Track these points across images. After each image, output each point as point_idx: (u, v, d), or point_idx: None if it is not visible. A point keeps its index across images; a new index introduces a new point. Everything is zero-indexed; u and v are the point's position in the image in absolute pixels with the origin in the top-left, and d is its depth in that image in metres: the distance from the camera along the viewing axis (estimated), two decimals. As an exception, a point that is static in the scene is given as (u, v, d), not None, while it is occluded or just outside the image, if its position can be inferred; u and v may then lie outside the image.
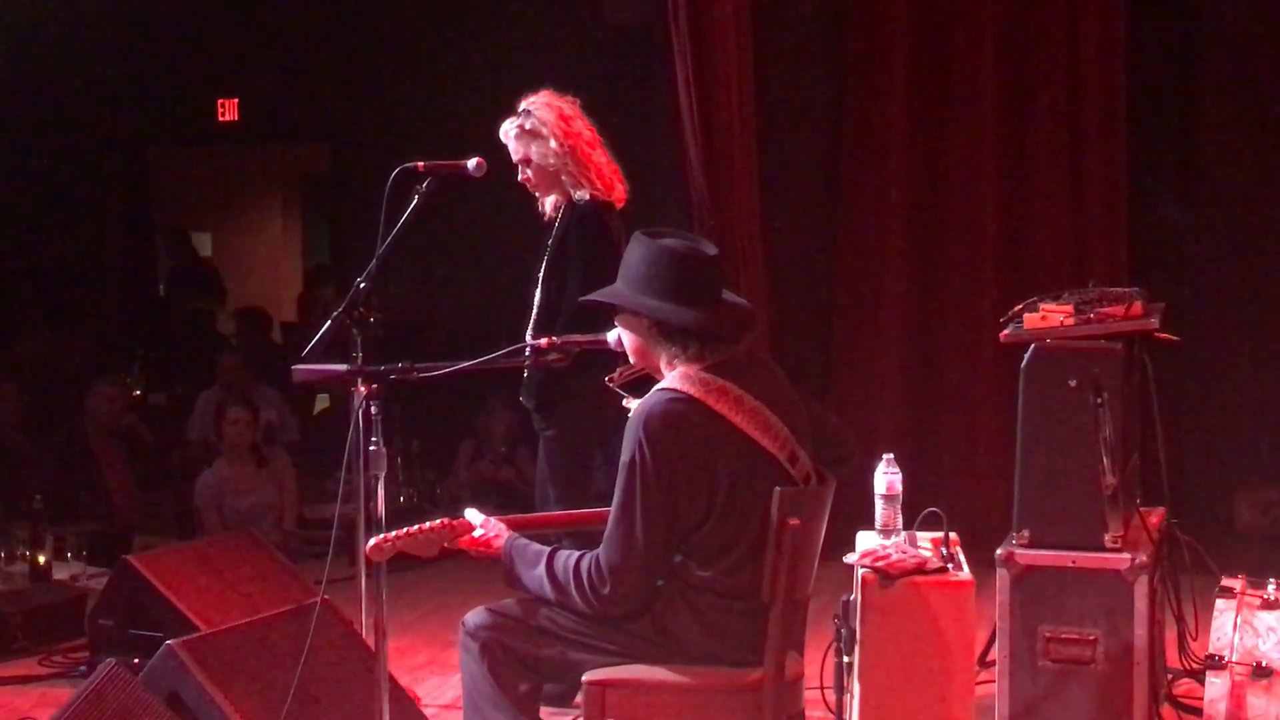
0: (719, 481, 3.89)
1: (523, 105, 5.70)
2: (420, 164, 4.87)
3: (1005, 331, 5.09)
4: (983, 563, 4.69)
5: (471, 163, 4.94)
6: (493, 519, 4.20)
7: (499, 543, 4.14)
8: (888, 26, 8.35)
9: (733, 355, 4.00)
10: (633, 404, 4.10)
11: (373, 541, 4.15)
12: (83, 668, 6.06)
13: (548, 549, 4.08)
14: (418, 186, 4.82)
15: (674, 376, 3.97)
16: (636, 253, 4.04)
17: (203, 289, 13.14)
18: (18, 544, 7.21)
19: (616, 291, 4.07)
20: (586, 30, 10.10)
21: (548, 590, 4.01)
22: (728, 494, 3.89)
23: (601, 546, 3.94)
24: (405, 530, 4.14)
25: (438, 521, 4.18)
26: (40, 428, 9.49)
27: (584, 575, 3.94)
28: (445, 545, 4.18)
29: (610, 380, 4.41)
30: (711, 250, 4.08)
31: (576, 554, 4.00)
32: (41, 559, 7.12)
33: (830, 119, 8.61)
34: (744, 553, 3.92)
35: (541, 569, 4.02)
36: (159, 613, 5.66)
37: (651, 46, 8.64)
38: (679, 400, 3.90)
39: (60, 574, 7.22)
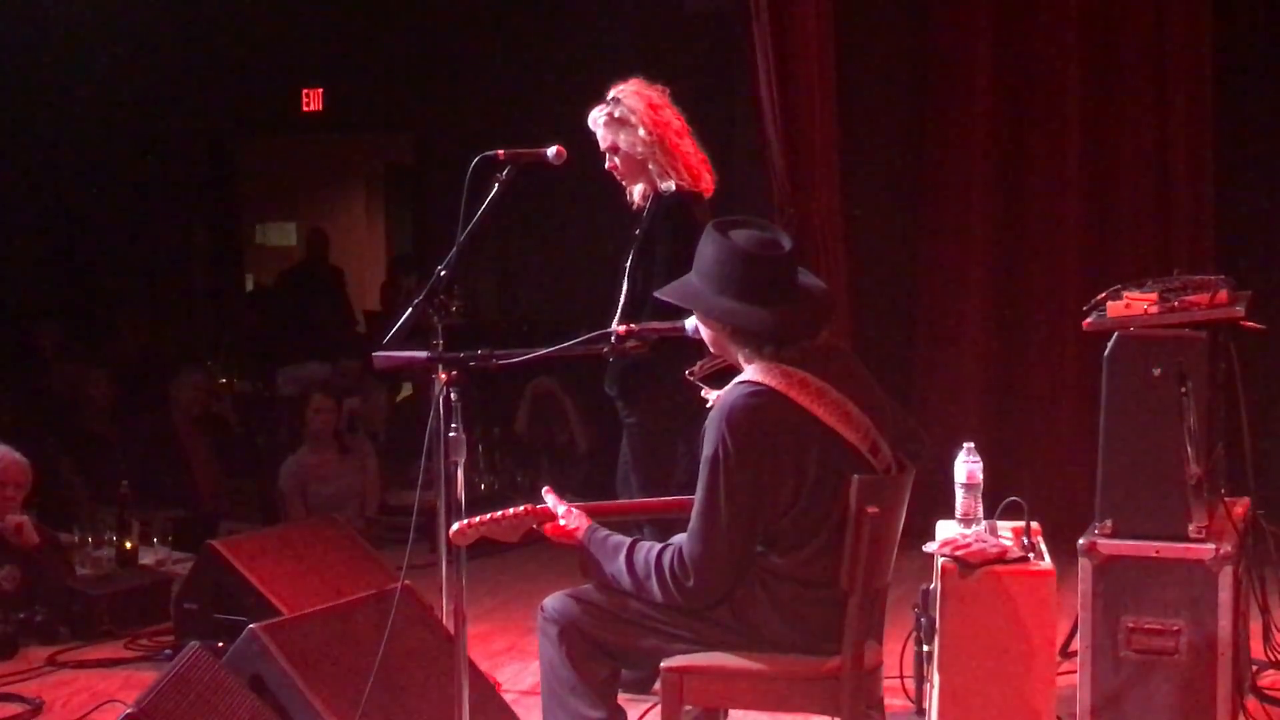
0: (801, 474, 3.87)
1: (612, 93, 5.66)
2: (500, 152, 4.89)
3: (1088, 319, 5.03)
4: (1064, 552, 4.65)
5: (551, 150, 4.95)
6: (573, 507, 4.21)
7: (579, 534, 4.14)
8: (971, 12, 8.29)
9: (811, 346, 3.99)
10: (713, 395, 4.09)
11: (456, 526, 4.17)
12: (168, 651, 6.12)
13: (627, 540, 4.07)
14: (498, 175, 4.84)
15: (754, 369, 3.95)
16: (709, 248, 3.99)
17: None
18: (105, 529, 7.29)
19: (691, 291, 4.03)
20: (667, 19, 10.11)
21: (626, 582, 4.00)
22: (810, 486, 3.88)
23: (684, 539, 3.93)
24: (488, 516, 4.16)
25: (520, 508, 4.19)
26: (129, 415, 9.60)
27: (666, 568, 3.93)
28: (530, 529, 4.20)
29: (691, 373, 4.40)
30: (786, 243, 4.02)
31: (658, 546, 3.99)
32: (128, 544, 7.20)
33: (912, 106, 8.56)
34: (824, 542, 3.90)
35: (621, 561, 4.01)
36: (242, 597, 5.72)
37: (731, 34, 8.63)
38: (759, 393, 3.88)
39: (146, 559, 7.30)
